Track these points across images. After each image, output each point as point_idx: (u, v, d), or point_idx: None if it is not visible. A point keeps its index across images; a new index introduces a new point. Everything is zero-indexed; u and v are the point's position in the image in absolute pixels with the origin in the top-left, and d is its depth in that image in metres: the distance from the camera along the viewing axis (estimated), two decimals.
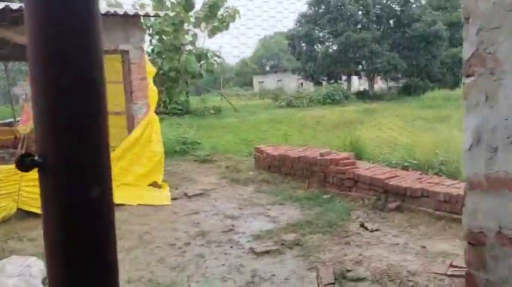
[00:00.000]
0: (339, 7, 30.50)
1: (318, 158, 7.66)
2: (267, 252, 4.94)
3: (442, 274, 3.97)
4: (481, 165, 1.56)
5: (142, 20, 8.78)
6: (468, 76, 1.59)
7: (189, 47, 22.72)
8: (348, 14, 30.55)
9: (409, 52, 31.57)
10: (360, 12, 31.87)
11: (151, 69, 8.77)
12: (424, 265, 4.27)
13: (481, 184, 1.57)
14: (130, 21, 8.04)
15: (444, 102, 22.39)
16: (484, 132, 1.55)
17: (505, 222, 1.51)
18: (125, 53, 8.06)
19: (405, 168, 7.18)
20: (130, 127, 8.16)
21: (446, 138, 9.27)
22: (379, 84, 42.69)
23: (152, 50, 21.82)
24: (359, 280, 4.09)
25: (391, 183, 6.27)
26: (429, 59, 31.54)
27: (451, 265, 3.84)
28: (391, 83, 38.18)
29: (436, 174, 6.89)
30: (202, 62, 22.89)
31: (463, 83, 1.60)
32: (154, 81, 22.01)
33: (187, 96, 23.21)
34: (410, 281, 3.96)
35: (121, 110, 8.36)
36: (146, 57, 9.05)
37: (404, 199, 6.13)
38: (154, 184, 8.01)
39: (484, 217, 1.57)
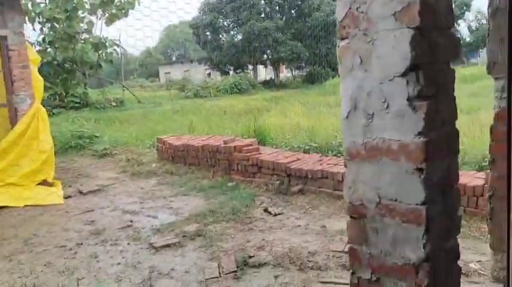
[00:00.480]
0: None
1: (222, 145, 7.50)
2: (167, 246, 4.67)
3: (340, 251, 4.02)
4: (359, 133, 1.47)
5: (22, 1, 7.88)
6: (342, 39, 1.48)
7: (85, 36, 21.23)
8: (251, 2, 30.73)
9: (311, 41, 32.69)
10: (263, 2, 32.24)
11: (35, 57, 7.93)
12: (324, 244, 4.30)
13: (360, 153, 1.48)
14: (7, 3, 7.17)
15: None
16: (360, 98, 1.45)
17: (384, 191, 1.43)
18: (2, 38, 7.18)
19: (307, 151, 7.31)
20: (13, 120, 7.31)
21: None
22: (285, 73, 43.82)
23: (44, 39, 20.05)
24: (261, 265, 4.00)
25: (293, 167, 6.29)
26: (329, 47, 32.91)
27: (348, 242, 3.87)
28: (296, 72, 39.34)
29: (335, 155, 7.09)
30: (100, 51, 21.52)
31: (338, 47, 1.49)
32: (48, 73, 20.21)
33: (86, 89, 21.72)
34: (310, 261, 3.95)
35: (2, 102, 7.47)
36: (28, 44, 8.17)
37: (306, 181, 6.18)
38: (44, 182, 7.28)
39: (363, 188, 1.49)
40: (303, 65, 35.02)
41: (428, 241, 1.36)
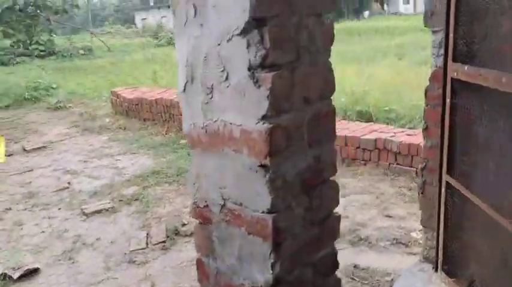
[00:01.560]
0: None
1: (176, 99, 7.05)
2: (99, 212, 4.35)
3: None
4: (198, 112, 1.08)
5: None
6: None
7: None
8: None
9: None
10: None
11: None
12: None
13: (201, 139, 1.10)
14: None
15: None
16: (196, 65, 1.05)
17: (228, 193, 1.07)
18: None
19: None
20: None
21: None
22: None
23: None
24: (192, 234, 3.71)
25: None
26: None
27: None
28: None
29: None
30: None
31: None
32: (10, 19, 19.01)
33: (51, 36, 20.54)
34: None
35: None
36: None
37: None
38: None
39: (207, 186, 1.12)
40: None
41: (278, 260, 1.01)
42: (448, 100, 2.12)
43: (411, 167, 4.62)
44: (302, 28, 1.00)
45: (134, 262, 3.44)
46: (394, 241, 3.48)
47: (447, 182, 2.21)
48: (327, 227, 1.17)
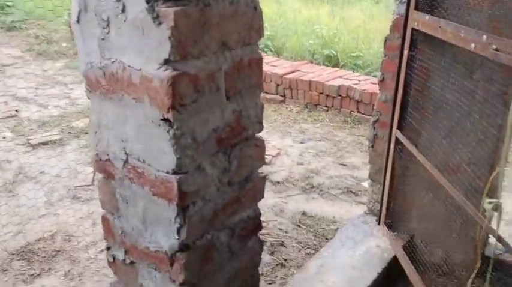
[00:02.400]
0: None
1: None
2: (45, 143, 4.14)
3: None
4: (95, 50, 0.90)
5: None
6: None
7: None
8: None
9: None
10: None
11: None
12: None
13: (99, 82, 0.93)
14: None
15: None
16: None
17: (131, 147, 0.93)
18: None
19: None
20: None
21: (283, 10, 8.80)
22: None
23: None
24: None
25: None
26: None
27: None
28: None
29: (261, 50, 6.46)
30: None
31: None
32: None
33: None
34: None
35: None
36: None
37: None
38: None
39: (109, 137, 0.97)
40: None
41: (185, 225, 0.90)
42: (406, 52, 1.99)
43: (371, 116, 4.56)
44: None
45: (78, 198, 3.32)
46: (345, 190, 3.48)
47: (397, 138, 2.14)
48: (248, 188, 1.05)
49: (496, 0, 1.75)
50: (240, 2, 0.88)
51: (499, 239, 1.33)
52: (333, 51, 5.96)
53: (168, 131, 0.84)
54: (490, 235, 1.88)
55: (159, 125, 0.85)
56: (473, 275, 1.56)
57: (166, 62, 0.79)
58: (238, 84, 0.93)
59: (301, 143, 4.30)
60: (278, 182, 3.57)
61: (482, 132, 1.86)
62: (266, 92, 5.26)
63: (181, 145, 0.85)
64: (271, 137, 4.38)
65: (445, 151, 1.91)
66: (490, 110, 1.84)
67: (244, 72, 0.94)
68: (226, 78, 0.90)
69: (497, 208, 1.24)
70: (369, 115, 4.60)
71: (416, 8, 1.90)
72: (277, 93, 5.29)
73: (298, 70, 5.36)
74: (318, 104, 5.00)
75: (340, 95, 4.80)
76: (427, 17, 1.80)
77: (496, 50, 1.30)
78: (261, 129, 1.05)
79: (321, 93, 4.93)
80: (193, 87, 0.83)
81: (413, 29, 1.93)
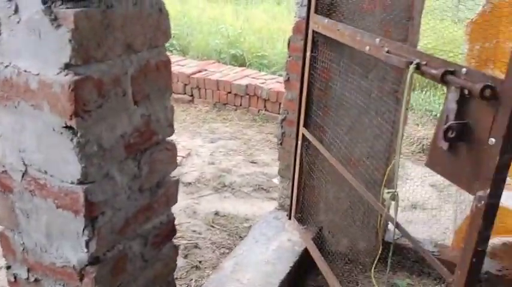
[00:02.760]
0: None
1: None
2: None
3: None
4: None
5: None
6: None
7: None
8: None
9: None
10: None
11: None
12: None
13: None
14: None
15: None
16: None
17: (30, 157, 0.86)
18: None
19: None
20: None
21: (188, 9, 8.73)
22: None
23: None
24: None
25: None
26: None
27: None
28: None
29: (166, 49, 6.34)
30: None
31: None
32: None
33: None
34: None
35: None
36: None
37: None
38: None
39: (4, 147, 0.89)
40: None
41: (94, 237, 0.86)
42: (308, 53, 2.09)
43: (279, 113, 4.70)
44: None
45: None
46: (257, 187, 3.55)
47: (303, 135, 2.23)
48: (160, 194, 1.03)
49: (386, 6, 1.91)
50: (144, 3, 0.86)
51: (397, 225, 1.45)
52: (239, 51, 6.05)
53: (71, 139, 0.79)
54: (389, 222, 2.05)
55: (61, 133, 0.80)
56: (376, 261, 1.68)
57: (67, 66, 0.75)
58: (146, 87, 0.91)
59: (212, 142, 4.30)
60: (190, 183, 3.55)
61: (379, 128, 2.01)
62: (174, 92, 5.17)
63: (87, 153, 0.81)
64: (181, 138, 4.32)
65: (347, 146, 2.04)
66: (384, 107, 2.00)
67: (151, 76, 0.92)
68: (133, 82, 0.87)
69: (394, 197, 1.35)
70: (276, 113, 4.74)
71: (316, 12, 2.00)
72: (185, 93, 5.24)
73: (206, 69, 5.35)
74: (227, 103, 5.04)
75: (248, 94, 4.89)
76: (326, 20, 1.90)
77: (388, 52, 1.42)
78: (171, 132, 1.03)
79: (229, 93, 4.98)
80: (97, 92, 0.79)
81: (314, 32, 2.03)
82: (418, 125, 4.52)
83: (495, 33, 2.19)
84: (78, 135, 0.79)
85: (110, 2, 0.78)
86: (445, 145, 1.11)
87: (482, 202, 1.02)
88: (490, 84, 1.00)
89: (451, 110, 1.11)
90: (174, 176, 1.09)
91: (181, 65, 5.45)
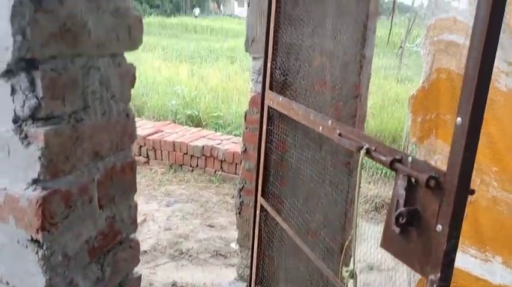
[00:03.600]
0: None
1: None
2: None
3: None
4: None
5: None
6: None
7: None
8: None
9: None
10: None
11: None
12: None
13: None
14: None
15: (159, 30, 22.40)
16: None
17: None
18: None
19: None
20: None
21: (143, 69, 8.84)
22: None
23: None
24: None
25: None
26: None
27: None
28: None
29: None
30: None
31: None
32: None
33: None
34: None
35: None
36: None
37: None
38: None
39: None
40: None
41: None
42: (264, 126, 2.17)
43: (235, 174, 4.76)
44: (91, 71, 0.83)
45: None
46: (214, 253, 3.51)
47: (261, 205, 2.27)
48: None
49: (335, 85, 2.05)
50: (112, 111, 0.90)
51: None
52: (195, 111, 6.14)
53: (36, 252, 0.79)
54: None
55: (26, 246, 0.79)
56: None
57: (36, 181, 0.76)
58: (111, 191, 0.93)
59: (168, 206, 4.25)
60: (145, 252, 3.45)
61: (333, 198, 2.09)
62: None
63: (51, 264, 0.80)
64: None
65: (304, 217, 2.10)
66: (337, 178, 2.09)
67: (117, 178, 0.94)
68: (99, 188, 0.89)
69: (353, 275, 1.39)
70: (233, 174, 4.79)
71: (271, 89, 2.11)
72: (140, 155, 5.20)
73: (162, 131, 5.37)
74: (183, 165, 5.04)
75: (204, 155, 4.92)
76: (281, 98, 2.01)
77: (340, 134, 1.52)
78: (135, 229, 1.04)
79: (186, 154, 5.00)
80: (64, 204, 0.80)
81: (269, 107, 2.13)
82: (370, 183, 4.70)
83: (435, 107, 2.38)
84: (44, 248, 0.79)
85: (79, 116, 0.81)
86: (397, 229, 1.18)
87: (434, 286, 1.09)
88: (434, 175, 1.09)
89: (400, 195, 1.19)
90: (136, 272, 1.08)
91: (137, 127, 5.44)
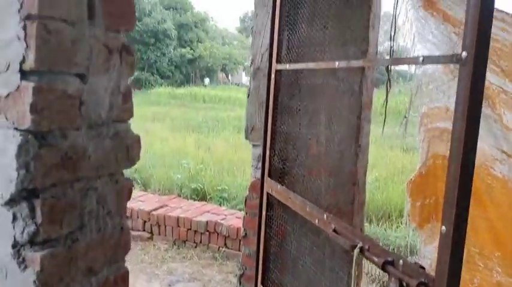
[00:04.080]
0: None
1: None
2: None
3: None
4: None
5: None
6: None
7: None
8: None
9: (140, 46, 31.47)
10: None
11: None
12: None
13: None
14: None
15: (169, 100, 23.16)
16: None
17: None
18: None
19: None
20: None
21: (151, 141, 9.04)
22: None
23: None
24: None
25: None
26: (158, 55, 32.22)
27: None
28: None
29: None
30: None
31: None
32: None
33: None
34: None
35: None
36: None
37: None
38: None
39: None
40: None
41: None
42: (264, 213, 2.20)
43: (239, 250, 4.69)
44: (89, 192, 0.89)
45: None
46: None
47: None
48: None
49: (331, 171, 2.10)
50: (107, 227, 0.94)
51: None
52: (200, 185, 6.19)
53: None
54: None
55: None
56: None
57: None
58: None
59: (170, 286, 4.17)
60: None
61: (333, 285, 2.07)
62: (132, 229, 5.12)
63: None
64: (137, 281, 4.17)
65: None
66: (337, 264, 2.08)
67: None
68: None
69: None
70: (236, 250, 4.73)
71: (270, 176, 2.17)
72: (144, 230, 5.18)
73: (166, 205, 5.39)
74: (187, 240, 5.00)
75: (208, 231, 4.89)
76: (279, 186, 2.06)
77: (334, 230, 1.54)
78: None
79: (189, 229, 4.97)
80: None
81: (268, 194, 2.18)
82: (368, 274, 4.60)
83: (433, 191, 2.42)
84: None
85: (75, 236, 0.86)
86: None
87: None
88: (424, 281, 1.11)
89: None
90: None
91: (142, 201, 5.48)
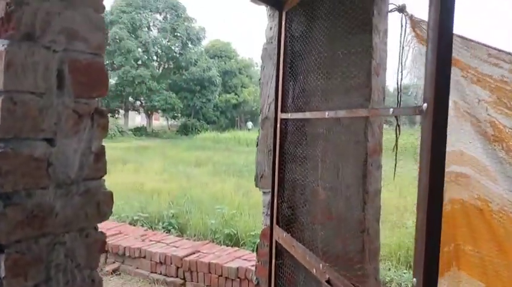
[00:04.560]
0: (116, 40, 29.54)
1: None
2: None
3: None
4: None
5: None
6: None
7: None
8: (127, 48, 29.87)
9: (186, 93, 32.76)
10: (140, 49, 31.61)
11: None
12: None
13: None
14: None
15: (213, 144, 23.69)
16: None
17: None
18: None
19: (134, 222, 6.61)
20: None
21: (191, 186, 9.22)
22: (160, 121, 43.03)
23: None
24: None
25: (110, 242, 5.58)
26: (204, 101, 33.32)
27: None
28: (171, 121, 38.77)
29: (165, 228, 6.54)
30: None
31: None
32: None
33: None
34: None
35: None
36: None
37: (124, 259, 5.52)
38: None
39: None
40: (178, 115, 34.78)
41: None
42: (273, 261, 2.20)
43: None
44: (56, 247, 0.96)
45: None
46: None
47: None
48: None
49: (339, 221, 2.08)
50: (76, 280, 1.00)
51: None
52: (233, 230, 6.20)
53: None
54: None
55: None
56: None
57: None
58: None
59: None
60: None
61: None
62: (166, 275, 5.18)
63: None
64: None
65: None
66: None
67: None
68: None
69: None
70: None
71: (278, 224, 2.17)
72: (177, 276, 5.21)
73: (199, 251, 5.42)
74: None
75: (239, 277, 4.85)
76: (285, 234, 2.06)
77: (328, 280, 1.52)
78: None
79: (220, 276, 4.95)
80: None
81: (276, 242, 2.18)
82: None
83: (453, 238, 2.32)
84: None
85: None
86: None
87: None
88: None
89: None
90: None
91: (176, 247, 5.55)
